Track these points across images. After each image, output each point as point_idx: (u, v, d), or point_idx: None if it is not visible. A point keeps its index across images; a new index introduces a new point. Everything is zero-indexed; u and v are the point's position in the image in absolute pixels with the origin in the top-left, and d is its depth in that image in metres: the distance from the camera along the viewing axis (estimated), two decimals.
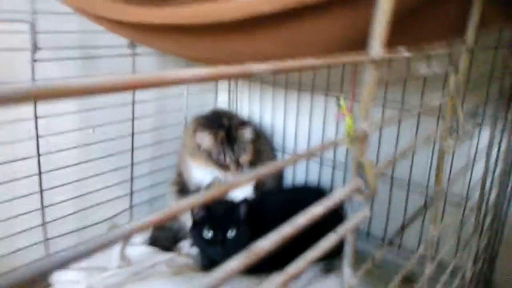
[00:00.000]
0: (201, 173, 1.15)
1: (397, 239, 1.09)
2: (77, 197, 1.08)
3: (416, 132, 1.03)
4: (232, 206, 0.96)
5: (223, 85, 1.46)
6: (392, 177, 1.09)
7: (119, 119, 1.13)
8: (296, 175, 1.32)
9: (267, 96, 1.36)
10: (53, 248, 1.03)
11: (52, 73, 0.98)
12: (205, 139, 1.09)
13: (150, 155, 1.25)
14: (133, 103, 1.13)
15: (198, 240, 0.96)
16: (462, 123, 0.48)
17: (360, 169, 0.31)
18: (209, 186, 1.15)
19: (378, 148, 1.11)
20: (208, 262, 1.00)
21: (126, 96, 1.14)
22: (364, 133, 0.31)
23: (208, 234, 0.92)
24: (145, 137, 1.21)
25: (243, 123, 1.14)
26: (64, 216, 1.05)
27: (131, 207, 1.19)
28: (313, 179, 1.28)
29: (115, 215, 1.16)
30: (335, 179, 1.23)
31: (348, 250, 0.33)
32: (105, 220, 1.14)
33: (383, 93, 1.07)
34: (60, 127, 1.03)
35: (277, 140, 1.35)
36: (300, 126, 1.29)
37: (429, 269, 0.51)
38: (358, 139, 0.30)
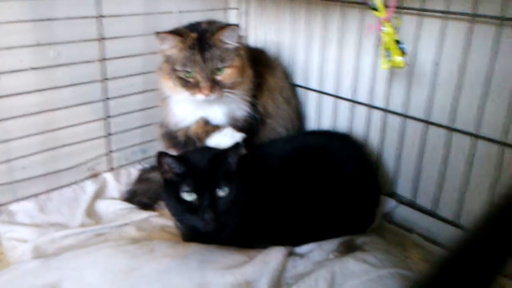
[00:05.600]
0: (177, 106, 0.84)
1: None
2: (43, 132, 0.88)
3: None
4: (219, 155, 0.70)
5: (232, 7, 1.16)
6: None
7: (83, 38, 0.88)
8: (322, 117, 1.03)
9: (284, 17, 1.05)
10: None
11: None
12: (170, 43, 0.78)
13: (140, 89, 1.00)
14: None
15: (176, 206, 0.68)
16: None
17: None
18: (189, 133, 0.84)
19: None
20: (191, 231, 0.74)
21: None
22: None
23: (189, 196, 0.66)
24: (131, 65, 0.97)
25: (225, 25, 0.79)
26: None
27: (110, 151, 0.98)
28: (342, 123, 0.99)
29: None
30: (371, 123, 0.93)
31: None
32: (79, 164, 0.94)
33: None
34: None
35: (299, 73, 1.06)
36: (328, 53, 0.98)
37: None
38: None
